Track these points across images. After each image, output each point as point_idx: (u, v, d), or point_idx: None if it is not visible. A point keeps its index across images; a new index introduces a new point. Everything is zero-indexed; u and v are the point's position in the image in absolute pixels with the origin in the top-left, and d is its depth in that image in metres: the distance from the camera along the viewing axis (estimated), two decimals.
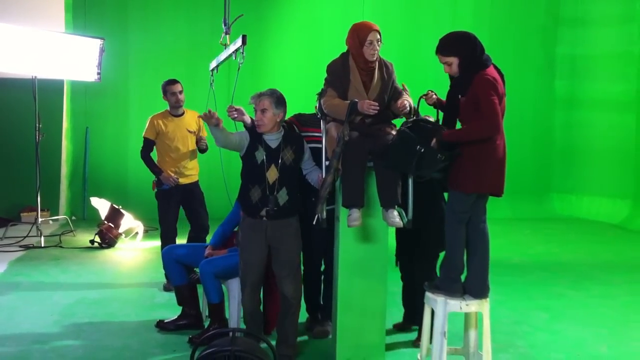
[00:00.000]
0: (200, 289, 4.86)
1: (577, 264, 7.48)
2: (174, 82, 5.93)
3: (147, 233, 8.54)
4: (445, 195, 4.27)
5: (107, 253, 7.71)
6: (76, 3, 9.93)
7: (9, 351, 4.41)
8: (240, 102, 4.59)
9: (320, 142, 4.30)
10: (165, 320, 4.91)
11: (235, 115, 4.23)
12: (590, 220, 10.60)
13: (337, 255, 4.25)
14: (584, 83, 11.19)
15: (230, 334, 3.38)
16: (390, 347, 4.48)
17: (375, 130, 4.12)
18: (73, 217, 9.66)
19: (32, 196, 8.52)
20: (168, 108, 5.98)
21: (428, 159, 3.72)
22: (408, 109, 4.13)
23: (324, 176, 4.09)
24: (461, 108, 3.80)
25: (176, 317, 4.92)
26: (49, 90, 9.08)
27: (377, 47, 4.10)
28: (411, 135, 3.77)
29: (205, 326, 4.82)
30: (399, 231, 4.60)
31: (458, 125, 3.90)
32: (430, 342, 3.89)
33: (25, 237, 8.11)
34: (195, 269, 4.95)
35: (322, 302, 4.92)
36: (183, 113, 5.97)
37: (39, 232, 8.06)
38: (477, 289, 3.80)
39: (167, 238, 5.84)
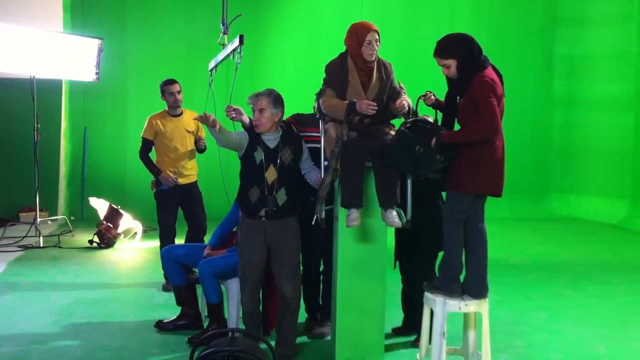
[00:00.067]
0: (199, 289, 4.86)
1: (575, 264, 7.48)
2: (172, 82, 5.92)
3: (146, 233, 8.53)
4: (443, 194, 4.28)
5: (106, 253, 7.71)
6: (74, 3, 9.92)
7: (8, 351, 4.41)
8: (239, 102, 4.59)
9: (319, 142, 4.30)
10: (164, 321, 4.91)
11: (234, 115, 4.22)
12: (588, 220, 10.60)
13: (336, 255, 4.24)
14: (583, 83, 11.19)
15: (230, 334, 3.38)
16: (389, 347, 4.48)
17: (373, 130, 4.13)
18: (72, 217, 9.65)
19: (30, 196, 8.51)
20: (166, 108, 5.97)
21: (427, 160, 3.72)
22: (407, 109, 4.13)
23: (322, 176, 4.10)
24: (460, 110, 3.80)
25: (175, 317, 4.91)
26: (48, 90, 9.07)
27: (376, 47, 4.10)
28: (410, 135, 3.77)
29: (205, 326, 4.82)
30: (398, 231, 4.60)
31: (457, 126, 3.91)
32: (430, 342, 3.90)
33: (23, 237, 8.10)
34: (194, 269, 4.95)
35: (321, 302, 4.92)
36: (181, 113, 5.96)
37: (38, 232, 8.06)
38: (476, 289, 3.81)
39: (166, 238, 5.84)
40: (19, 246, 7.81)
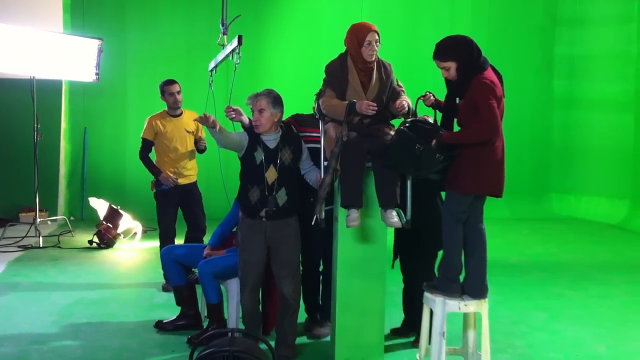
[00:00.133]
0: (199, 290, 4.86)
1: (575, 264, 7.48)
2: (172, 82, 5.92)
3: (146, 233, 8.53)
4: (443, 194, 4.28)
5: (106, 253, 7.70)
6: (74, 3, 9.92)
7: (8, 351, 4.41)
8: (239, 102, 4.59)
9: (319, 143, 4.29)
10: (164, 321, 4.91)
11: (233, 116, 4.22)
12: (588, 221, 10.60)
13: (335, 255, 4.24)
14: (582, 83, 11.19)
15: (229, 334, 3.38)
16: (388, 347, 4.48)
17: (373, 130, 4.13)
18: (71, 218, 9.65)
19: (30, 196, 8.50)
20: (166, 108, 5.97)
21: (427, 159, 3.72)
22: (406, 109, 4.13)
23: (322, 176, 4.10)
24: (460, 111, 3.81)
25: (175, 317, 4.91)
26: (47, 91, 9.07)
27: (376, 48, 4.10)
28: (410, 134, 3.77)
29: (204, 326, 4.82)
30: (397, 231, 4.60)
31: (456, 127, 3.91)
32: (429, 342, 3.90)
33: (23, 237, 8.09)
34: (193, 269, 4.95)
35: (320, 303, 4.92)
36: (181, 113, 5.96)
37: (38, 233, 8.06)
38: (475, 289, 3.81)
39: (166, 238, 5.84)
40: (18, 246, 7.81)
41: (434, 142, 3.70)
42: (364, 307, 4.20)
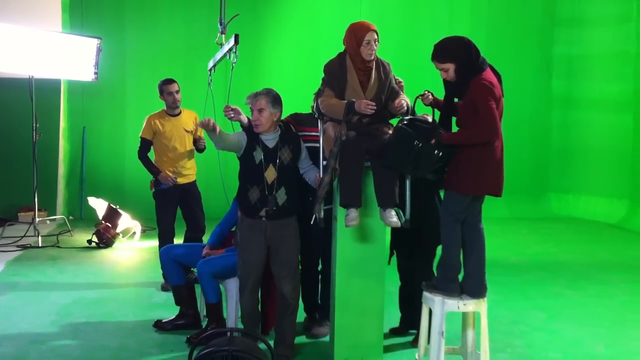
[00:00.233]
0: (198, 289, 4.86)
1: (574, 264, 7.49)
2: (170, 81, 5.92)
3: (145, 233, 8.53)
4: (441, 193, 4.28)
5: (105, 253, 7.70)
6: (73, 3, 9.91)
7: (7, 351, 4.41)
8: (238, 102, 4.59)
9: (318, 142, 4.29)
10: (163, 320, 4.91)
11: (232, 115, 4.22)
12: (587, 220, 10.61)
13: (334, 255, 4.24)
14: (581, 83, 11.19)
15: (228, 333, 3.38)
16: (388, 346, 4.48)
17: (372, 129, 4.13)
18: (70, 217, 9.65)
19: (29, 196, 8.50)
20: (165, 108, 5.97)
21: (425, 156, 3.71)
22: (405, 108, 4.13)
23: (321, 176, 4.09)
24: (459, 112, 3.81)
25: (174, 317, 4.91)
26: (46, 90, 9.05)
27: (375, 47, 4.10)
28: (408, 131, 3.77)
29: (203, 326, 4.81)
30: (394, 229, 4.59)
31: (454, 127, 3.91)
32: (428, 341, 3.90)
33: (22, 237, 8.08)
34: (192, 268, 4.95)
35: (319, 302, 4.92)
36: (180, 112, 5.96)
37: (37, 232, 8.04)
38: (474, 288, 3.81)
39: (165, 238, 5.84)
40: (17, 246, 7.80)
41: (433, 141, 3.70)
42: (363, 306, 4.20)
